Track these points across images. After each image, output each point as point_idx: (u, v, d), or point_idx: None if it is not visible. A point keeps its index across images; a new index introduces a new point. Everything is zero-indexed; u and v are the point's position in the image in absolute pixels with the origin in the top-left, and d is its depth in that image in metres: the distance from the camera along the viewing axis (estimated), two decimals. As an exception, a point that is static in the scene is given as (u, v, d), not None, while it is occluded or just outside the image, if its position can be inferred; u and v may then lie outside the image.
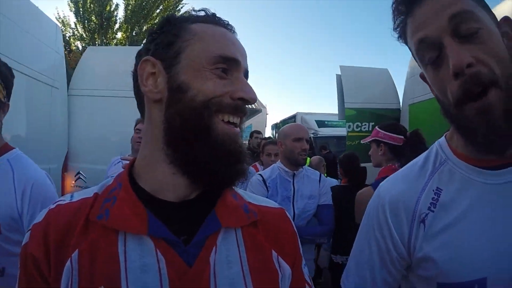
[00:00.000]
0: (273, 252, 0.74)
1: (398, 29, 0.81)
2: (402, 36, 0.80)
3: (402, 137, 2.26)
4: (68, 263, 0.62)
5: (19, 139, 3.42)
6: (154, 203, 0.67)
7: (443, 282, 0.76)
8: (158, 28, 0.74)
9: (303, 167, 2.49)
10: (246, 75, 0.75)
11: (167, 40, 0.70)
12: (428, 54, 0.73)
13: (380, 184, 0.91)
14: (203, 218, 0.69)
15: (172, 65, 0.69)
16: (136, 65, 0.74)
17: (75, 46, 12.91)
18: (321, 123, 9.48)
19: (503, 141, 0.69)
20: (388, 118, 5.14)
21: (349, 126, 5.25)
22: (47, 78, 3.89)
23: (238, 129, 0.71)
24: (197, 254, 0.65)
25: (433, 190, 0.81)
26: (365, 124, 5.24)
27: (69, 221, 0.65)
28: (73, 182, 4.18)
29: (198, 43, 0.69)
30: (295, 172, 2.42)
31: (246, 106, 0.72)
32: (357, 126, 5.24)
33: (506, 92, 0.67)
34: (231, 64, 0.69)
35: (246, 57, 0.75)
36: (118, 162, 2.83)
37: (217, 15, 0.75)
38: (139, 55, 0.75)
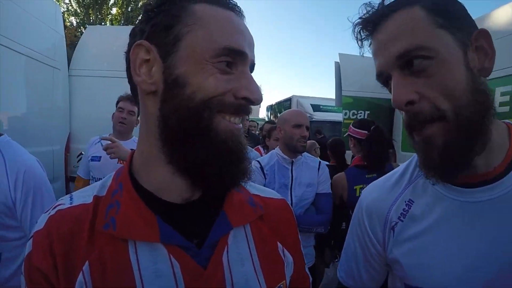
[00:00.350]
0: (278, 243, 0.75)
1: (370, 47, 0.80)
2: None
3: (366, 131, 2.64)
4: (80, 276, 0.59)
5: (22, 122, 3.47)
6: (159, 205, 0.64)
7: (408, 284, 0.81)
8: (155, 6, 0.64)
9: (303, 153, 2.43)
10: (252, 67, 0.67)
11: (165, 22, 0.62)
12: (383, 81, 0.76)
13: (365, 188, 0.98)
14: (211, 218, 0.67)
15: (169, 53, 0.61)
16: (129, 46, 0.66)
17: (69, 22, 12.65)
18: (316, 107, 9.54)
19: (436, 174, 0.71)
20: (383, 108, 5.27)
21: (345, 114, 5.35)
22: (49, 59, 3.89)
23: (240, 125, 0.65)
24: (210, 256, 0.64)
25: (405, 202, 0.84)
26: (361, 112, 5.35)
27: (71, 229, 0.62)
28: (77, 162, 4.25)
29: (201, 30, 0.61)
30: (293, 159, 2.36)
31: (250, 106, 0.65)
32: (353, 114, 5.34)
33: (453, 124, 0.66)
34: (237, 57, 0.62)
35: (253, 47, 0.67)
36: (97, 142, 2.76)
37: None
38: (133, 35, 0.67)
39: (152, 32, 0.62)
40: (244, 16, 0.69)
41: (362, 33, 0.77)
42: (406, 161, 0.93)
